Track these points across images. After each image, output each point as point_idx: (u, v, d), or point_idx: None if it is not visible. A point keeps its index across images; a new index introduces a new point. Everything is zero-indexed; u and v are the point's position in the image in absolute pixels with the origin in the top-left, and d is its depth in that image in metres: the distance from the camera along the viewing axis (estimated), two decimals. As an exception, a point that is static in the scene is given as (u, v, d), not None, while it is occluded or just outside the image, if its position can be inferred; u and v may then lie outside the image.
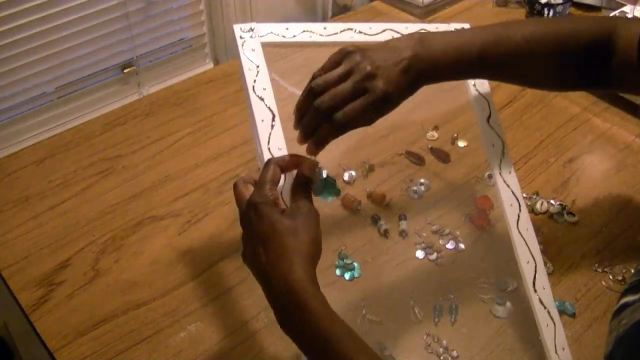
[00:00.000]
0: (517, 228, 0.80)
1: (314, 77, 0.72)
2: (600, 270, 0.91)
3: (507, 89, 1.22)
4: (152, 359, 0.81)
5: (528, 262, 0.79)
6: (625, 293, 0.63)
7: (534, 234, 0.80)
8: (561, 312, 0.85)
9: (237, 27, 0.79)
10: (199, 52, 1.41)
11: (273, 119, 0.73)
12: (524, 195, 1.00)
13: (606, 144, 1.12)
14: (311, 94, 0.71)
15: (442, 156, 1.08)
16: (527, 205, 0.99)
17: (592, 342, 0.82)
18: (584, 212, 0.99)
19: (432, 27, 0.87)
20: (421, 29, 0.86)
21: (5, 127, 1.20)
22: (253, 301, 0.87)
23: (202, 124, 1.15)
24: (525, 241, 0.80)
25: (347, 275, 0.89)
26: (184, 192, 1.02)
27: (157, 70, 1.36)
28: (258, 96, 0.75)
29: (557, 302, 0.85)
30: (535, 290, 0.78)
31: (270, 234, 0.64)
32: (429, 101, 1.19)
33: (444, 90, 1.21)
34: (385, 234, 0.95)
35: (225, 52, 1.42)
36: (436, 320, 0.84)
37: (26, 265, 0.91)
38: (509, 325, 0.84)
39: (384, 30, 0.84)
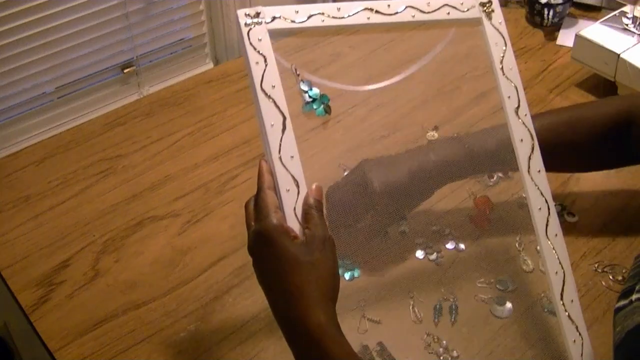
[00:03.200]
0: (546, 234, 0.75)
1: None
2: (600, 270, 0.91)
3: (507, 89, 1.22)
4: (152, 359, 0.81)
5: (557, 273, 0.74)
6: (618, 299, 0.62)
7: (563, 241, 0.76)
8: (561, 312, 0.85)
9: (241, 12, 0.68)
10: (199, 52, 1.41)
11: (284, 122, 0.66)
12: (524, 195, 1.00)
13: (606, 144, 1.11)
14: None
15: (442, 156, 1.07)
16: (527, 205, 0.99)
17: (592, 342, 0.82)
18: (584, 212, 0.99)
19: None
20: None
21: (5, 127, 1.20)
22: (253, 301, 0.87)
23: (202, 124, 1.15)
24: (555, 249, 0.75)
25: (347, 276, 0.88)
26: (184, 192, 1.02)
27: (157, 70, 1.36)
28: (267, 94, 0.66)
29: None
30: (564, 304, 0.74)
31: (286, 270, 0.60)
32: (429, 101, 1.19)
33: (444, 90, 1.21)
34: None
35: (225, 52, 1.42)
36: (436, 320, 0.84)
37: (26, 265, 0.91)
38: (509, 325, 0.84)
39: (405, 8, 0.74)
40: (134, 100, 1.24)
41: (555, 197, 1.00)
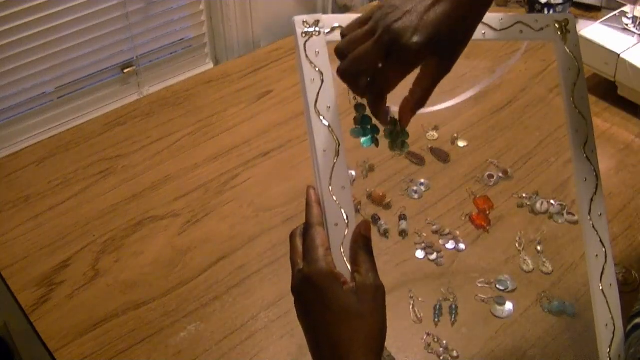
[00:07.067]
0: (600, 283, 0.69)
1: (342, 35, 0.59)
2: (600, 270, 0.91)
3: (508, 89, 1.22)
4: (152, 359, 0.81)
5: (607, 326, 0.69)
6: (637, 314, 0.61)
7: (617, 292, 0.69)
8: (561, 312, 0.85)
9: (298, 20, 0.61)
10: (199, 52, 1.41)
11: (338, 149, 0.60)
12: (524, 195, 1.00)
13: (606, 144, 1.12)
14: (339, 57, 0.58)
15: (442, 156, 1.08)
16: (527, 205, 0.99)
17: (592, 342, 0.82)
18: (584, 212, 0.99)
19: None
20: None
21: (5, 127, 1.20)
22: (253, 301, 0.87)
23: (202, 124, 1.15)
24: (607, 300, 0.69)
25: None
26: (184, 192, 1.02)
27: (157, 70, 1.36)
28: (320, 117, 0.60)
29: (557, 302, 0.86)
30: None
31: (335, 321, 0.56)
32: (429, 101, 1.19)
33: (444, 90, 1.21)
34: (385, 234, 0.95)
35: (225, 52, 1.43)
36: (436, 320, 0.84)
37: (26, 265, 0.91)
38: (509, 325, 0.84)
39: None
40: (134, 100, 1.24)
41: (555, 197, 1.00)
